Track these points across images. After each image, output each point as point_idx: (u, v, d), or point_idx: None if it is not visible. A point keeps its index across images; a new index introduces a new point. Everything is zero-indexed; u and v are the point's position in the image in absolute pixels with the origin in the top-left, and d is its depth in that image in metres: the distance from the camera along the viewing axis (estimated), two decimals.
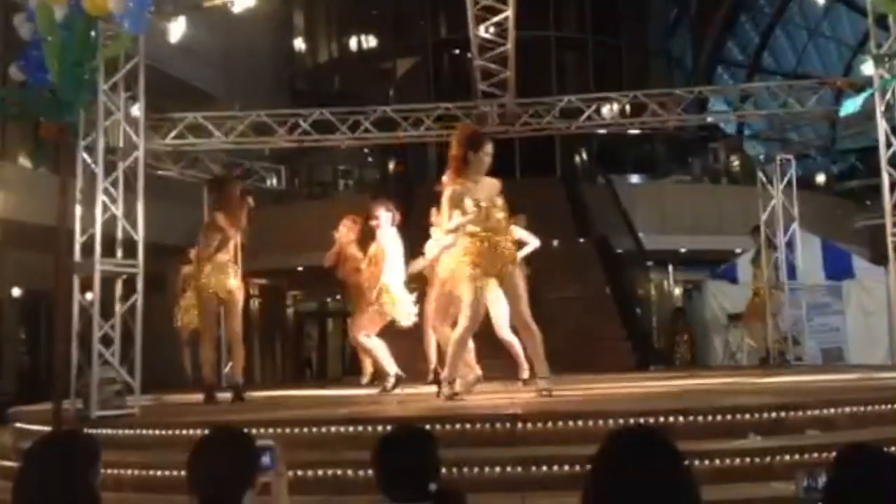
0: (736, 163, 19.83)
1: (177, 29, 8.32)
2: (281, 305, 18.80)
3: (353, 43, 21.05)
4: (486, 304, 6.57)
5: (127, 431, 5.80)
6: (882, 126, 6.88)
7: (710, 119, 13.06)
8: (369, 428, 5.04)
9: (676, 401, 6.16)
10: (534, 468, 4.58)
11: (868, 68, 8.09)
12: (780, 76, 23.06)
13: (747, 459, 4.62)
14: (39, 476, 2.53)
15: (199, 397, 7.85)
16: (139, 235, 6.72)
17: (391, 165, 19.33)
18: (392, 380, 7.57)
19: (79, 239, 6.55)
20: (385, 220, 7.84)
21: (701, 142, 20.61)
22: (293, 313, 19.46)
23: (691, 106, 10.70)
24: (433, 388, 7.19)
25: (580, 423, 5.07)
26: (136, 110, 7.10)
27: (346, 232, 8.87)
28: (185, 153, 10.14)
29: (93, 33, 6.42)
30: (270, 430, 5.04)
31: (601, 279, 13.23)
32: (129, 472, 4.98)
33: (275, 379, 16.16)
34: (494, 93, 9.72)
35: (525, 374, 7.52)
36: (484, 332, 6.98)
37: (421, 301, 7.98)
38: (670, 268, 17.64)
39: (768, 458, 4.61)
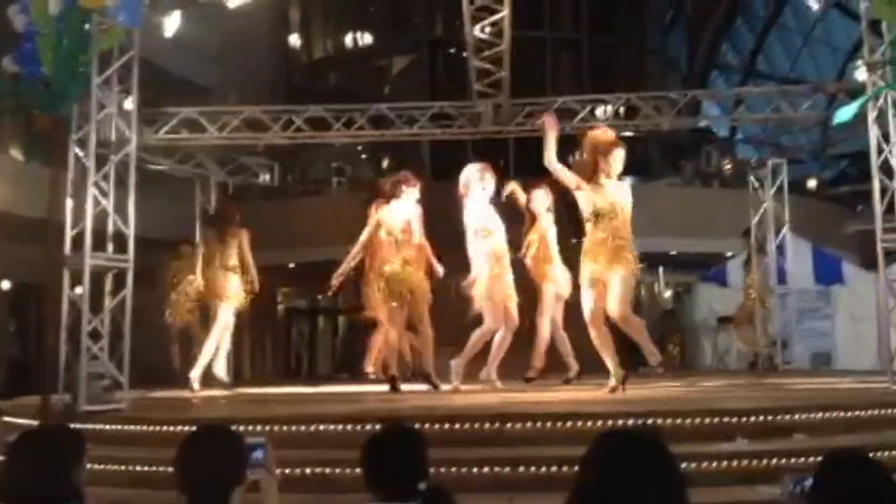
0: (728, 166, 19.89)
1: (171, 23, 8.30)
2: (272, 302, 18.76)
3: (348, 40, 21.02)
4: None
5: (115, 427, 5.78)
6: (873, 132, 6.90)
7: (703, 123, 13.08)
8: (359, 427, 5.04)
9: (665, 403, 6.18)
10: (522, 468, 4.60)
11: (861, 74, 8.12)
12: (775, 80, 23.11)
13: (735, 462, 4.64)
14: (24, 469, 2.53)
15: (187, 393, 7.86)
16: (130, 230, 6.70)
17: (385, 163, 19.32)
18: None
19: (69, 232, 6.53)
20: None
21: (693, 145, 20.64)
22: (283, 310, 19.42)
23: (685, 109, 10.72)
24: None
25: (569, 423, 5.09)
26: (129, 104, 7.07)
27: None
28: (178, 148, 10.11)
29: (87, 26, 6.40)
30: (259, 428, 5.04)
31: None
32: (117, 467, 4.97)
33: (265, 376, 16.13)
34: (489, 92, 9.72)
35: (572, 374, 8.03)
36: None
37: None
38: (661, 270, 17.67)
39: (756, 462, 4.64)
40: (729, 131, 21.92)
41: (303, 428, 5.25)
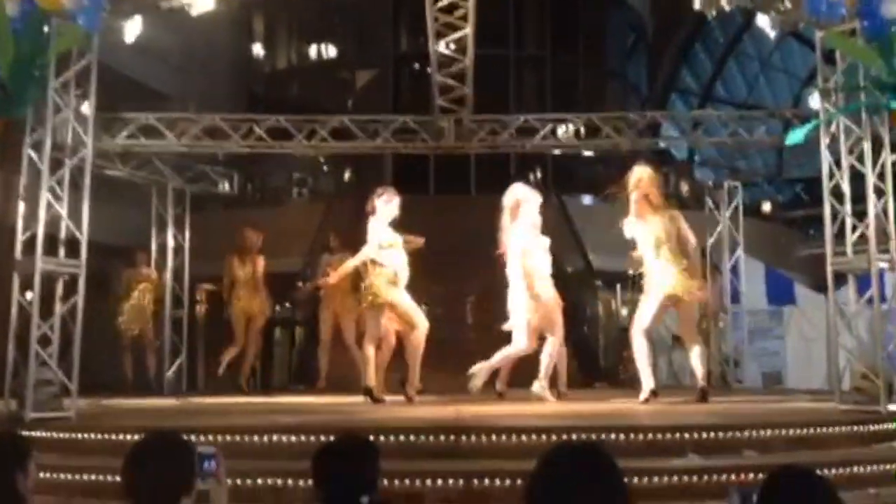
0: (686, 188, 20.18)
1: (133, 28, 8.19)
2: (228, 313, 18.56)
3: (312, 51, 20.94)
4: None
5: (62, 434, 5.66)
6: (825, 158, 7.06)
7: (662, 144, 13.31)
8: (312, 437, 5.00)
9: (618, 418, 6.24)
10: (475, 481, 4.59)
11: (815, 101, 8.32)
12: (732, 106, 23.57)
13: (685, 478, 4.69)
14: None
15: (139, 401, 7.73)
16: (83, 235, 6.58)
17: (346, 175, 19.25)
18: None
19: (20, 237, 6.40)
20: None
21: (652, 166, 20.91)
22: None
23: (645, 130, 10.89)
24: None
25: (523, 437, 5.10)
26: (87, 108, 6.96)
27: None
28: (135, 154, 9.98)
29: (46, 28, 6.30)
30: (211, 438, 4.96)
31: None
32: (63, 476, 4.86)
33: (219, 386, 15.89)
34: (452, 108, 9.77)
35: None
36: None
37: None
38: (618, 288, 17.85)
39: (706, 477, 4.69)
40: (687, 154, 22.27)
41: (255, 438, 5.19)
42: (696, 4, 7.28)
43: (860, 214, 6.79)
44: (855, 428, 5.80)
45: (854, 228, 6.80)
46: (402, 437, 5.05)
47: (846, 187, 6.86)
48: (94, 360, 7.25)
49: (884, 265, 6.72)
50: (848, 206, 6.86)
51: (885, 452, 5.46)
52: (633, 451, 4.93)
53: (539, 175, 19.54)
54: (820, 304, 11.59)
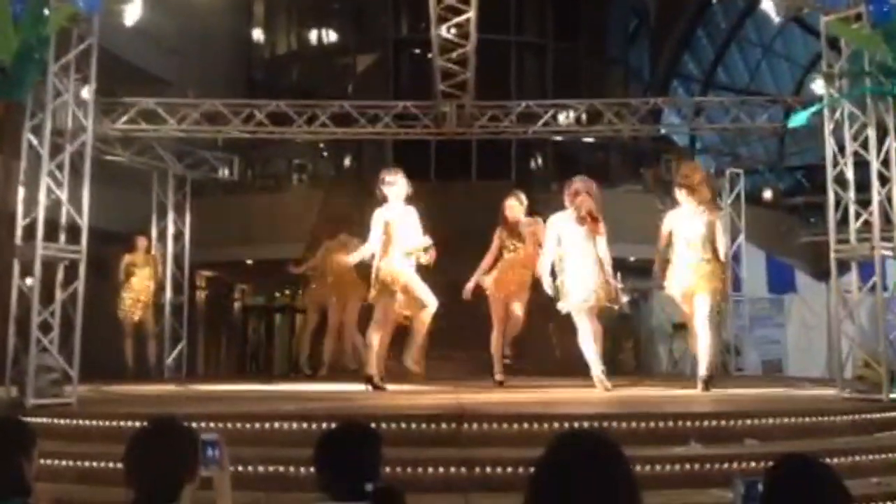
0: None
1: (132, 11, 8.14)
2: (228, 299, 18.55)
3: (312, 36, 20.84)
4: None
5: (63, 421, 5.65)
6: (829, 144, 7.02)
7: (663, 130, 13.26)
8: (314, 425, 4.99)
9: (620, 406, 6.23)
10: (477, 469, 4.59)
11: (818, 87, 8.28)
12: (734, 92, 23.47)
13: (687, 466, 4.68)
14: None
15: (140, 388, 7.72)
16: (83, 220, 6.55)
17: (346, 161, 19.20)
18: None
19: (21, 222, 6.37)
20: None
21: (654, 153, 20.84)
22: (240, 307, 19.20)
23: (646, 117, 10.84)
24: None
25: (525, 425, 5.09)
26: (86, 93, 6.91)
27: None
28: (135, 139, 9.94)
29: (45, 11, 6.25)
30: (213, 424, 4.96)
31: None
32: (64, 462, 4.85)
33: (219, 373, 15.93)
34: (453, 93, 9.72)
35: None
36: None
37: None
38: (619, 276, 17.84)
39: (708, 466, 4.69)
40: (689, 140, 22.21)
41: (257, 425, 5.18)
42: None
43: (863, 202, 6.77)
44: (857, 416, 5.80)
45: (857, 216, 6.77)
46: (403, 425, 5.04)
47: (850, 174, 6.83)
48: (95, 347, 7.23)
49: (887, 252, 6.70)
50: (852, 193, 6.83)
51: (888, 441, 5.45)
52: (635, 439, 4.92)
53: (540, 162, 19.52)
54: (820, 292, 11.60)
